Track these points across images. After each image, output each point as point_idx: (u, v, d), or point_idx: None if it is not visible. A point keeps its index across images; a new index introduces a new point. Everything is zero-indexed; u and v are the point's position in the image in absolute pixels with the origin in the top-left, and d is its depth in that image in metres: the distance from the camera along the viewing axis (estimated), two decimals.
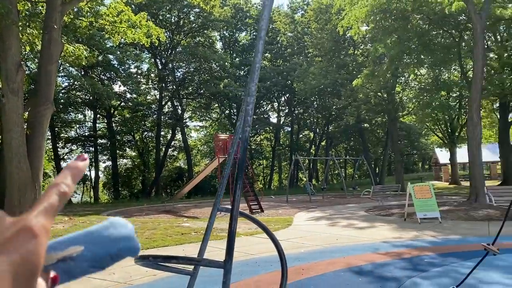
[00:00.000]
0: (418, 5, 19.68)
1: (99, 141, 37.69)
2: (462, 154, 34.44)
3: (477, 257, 5.35)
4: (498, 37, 26.17)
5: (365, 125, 41.27)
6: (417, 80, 31.91)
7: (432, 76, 28.31)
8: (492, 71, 24.60)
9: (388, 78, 27.72)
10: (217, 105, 42.36)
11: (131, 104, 35.38)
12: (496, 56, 24.17)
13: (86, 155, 0.51)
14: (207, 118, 45.42)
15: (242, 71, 40.50)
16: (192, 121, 45.18)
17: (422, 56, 23.83)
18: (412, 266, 6.26)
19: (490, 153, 41.83)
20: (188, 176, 36.62)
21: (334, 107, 38.34)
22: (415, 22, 21.14)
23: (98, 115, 37.16)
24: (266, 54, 41.60)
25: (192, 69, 37.48)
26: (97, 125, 38.09)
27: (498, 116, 30.45)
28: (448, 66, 26.84)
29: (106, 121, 36.80)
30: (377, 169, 50.76)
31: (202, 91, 38.05)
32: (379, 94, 31.95)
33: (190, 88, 38.97)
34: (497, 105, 29.85)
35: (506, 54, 23.98)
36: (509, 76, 23.44)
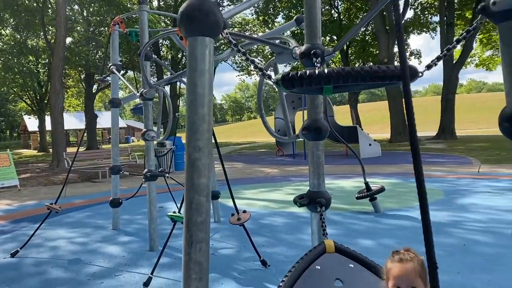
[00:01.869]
0: None
1: None
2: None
3: (49, 218, 5.74)
4: (85, 12, 27.42)
5: None
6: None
7: (18, 39, 26.61)
8: (79, 43, 25.85)
9: None
10: None
11: None
12: (82, 30, 25.46)
13: None
14: None
15: None
16: None
17: (6, 15, 22.07)
18: None
19: (77, 121, 44.33)
20: None
21: None
22: None
23: None
24: None
25: None
26: None
27: (85, 87, 32.41)
28: (35, 32, 25.91)
29: None
30: None
31: None
32: None
33: None
34: (84, 76, 31.71)
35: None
36: (91, 50, 25.42)
